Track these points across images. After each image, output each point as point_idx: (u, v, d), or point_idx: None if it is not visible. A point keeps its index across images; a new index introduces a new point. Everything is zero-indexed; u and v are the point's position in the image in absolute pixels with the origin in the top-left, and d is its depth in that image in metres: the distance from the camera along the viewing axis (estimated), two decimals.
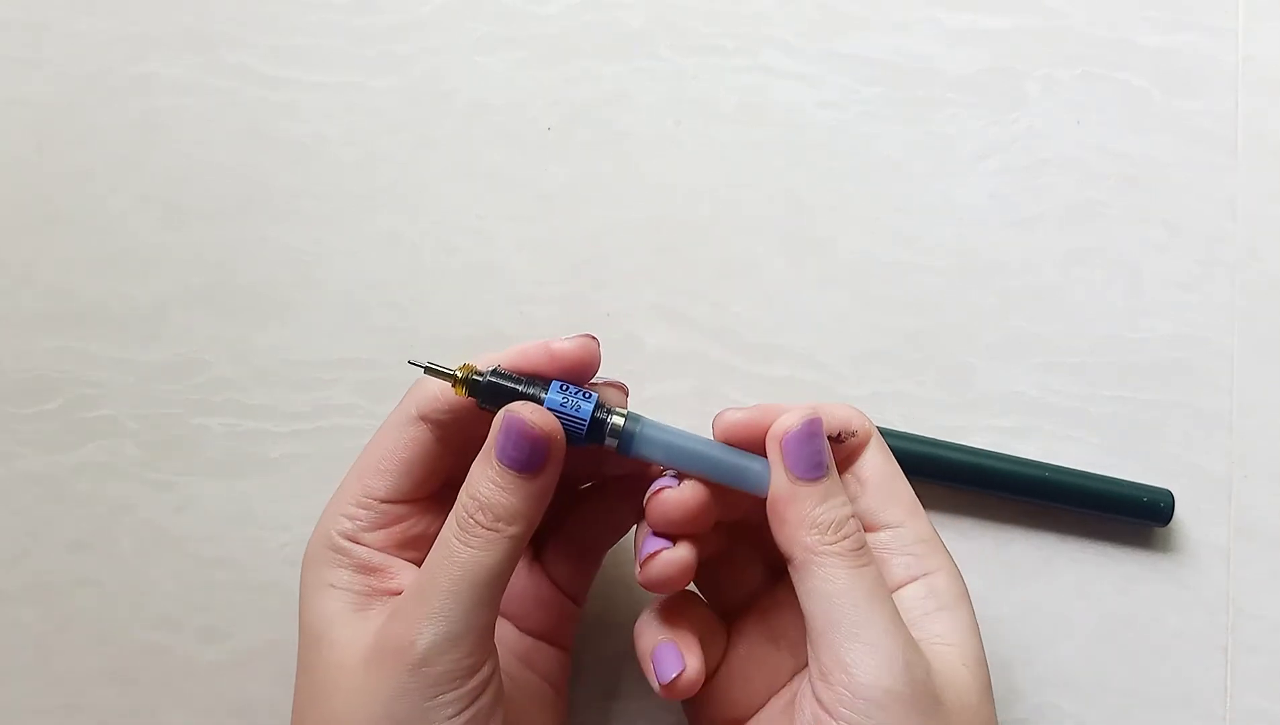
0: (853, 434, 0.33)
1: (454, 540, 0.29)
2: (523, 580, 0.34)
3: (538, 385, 0.30)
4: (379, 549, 0.31)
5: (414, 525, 0.32)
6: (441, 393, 0.31)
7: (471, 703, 0.28)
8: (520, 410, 0.29)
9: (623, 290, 0.41)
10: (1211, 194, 0.41)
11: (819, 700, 0.28)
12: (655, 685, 0.31)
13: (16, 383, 0.40)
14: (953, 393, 0.40)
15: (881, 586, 0.29)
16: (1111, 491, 0.39)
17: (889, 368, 0.40)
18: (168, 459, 0.39)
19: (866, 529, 0.32)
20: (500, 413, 0.29)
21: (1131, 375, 0.40)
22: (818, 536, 0.29)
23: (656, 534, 0.31)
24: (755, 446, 0.31)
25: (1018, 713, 0.39)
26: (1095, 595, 0.39)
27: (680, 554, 0.31)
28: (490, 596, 0.29)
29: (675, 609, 0.32)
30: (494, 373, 0.30)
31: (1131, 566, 0.40)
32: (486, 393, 0.30)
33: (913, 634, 0.29)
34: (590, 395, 0.30)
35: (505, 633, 0.34)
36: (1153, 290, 0.41)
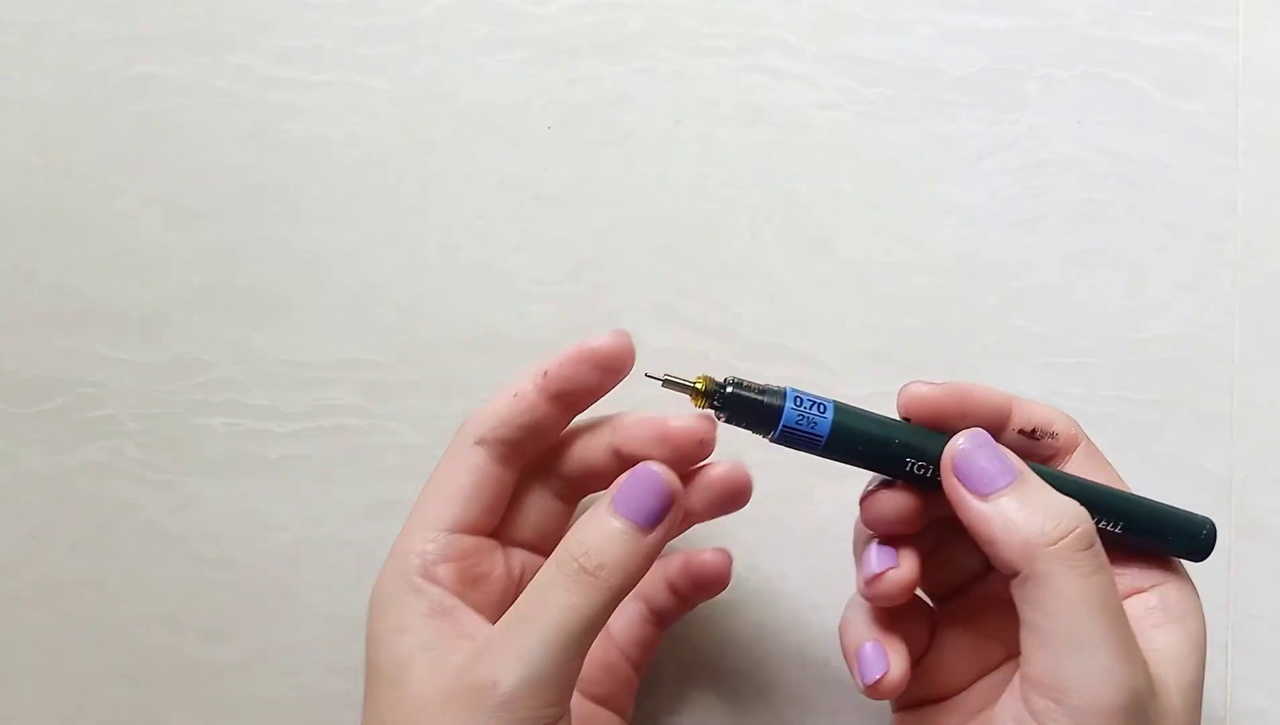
0: (1052, 435, 0.31)
1: (553, 584, 0.28)
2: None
3: (773, 393, 0.29)
4: (450, 588, 0.30)
5: (480, 564, 0.31)
6: (500, 412, 0.31)
7: None
8: (656, 467, 0.29)
9: (623, 290, 0.41)
10: (1211, 194, 0.41)
11: (1029, 708, 0.27)
12: (859, 685, 0.30)
13: (18, 383, 0.40)
14: None
15: (1114, 597, 0.27)
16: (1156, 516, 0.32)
17: (889, 368, 0.40)
18: (169, 459, 0.40)
19: None
20: (637, 467, 0.29)
21: (1131, 375, 0.40)
22: (1036, 536, 0.27)
23: (880, 542, 0.30)
24: (944, 426, 0.30)
25: None
26: None
27: (905, 574, 0.30)
28: (581, 647, 0.28)
29: None
30: (734, 383, 0.30)
31: None
32: (731, 404, 0.29)
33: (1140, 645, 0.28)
34: (825, 405, 0.29)
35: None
36: (1153, 290, 0.41)
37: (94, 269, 0.40)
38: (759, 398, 0.29)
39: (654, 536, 0.29)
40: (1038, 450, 0.31)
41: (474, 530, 0.31)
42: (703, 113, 0.41)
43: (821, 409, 0.29)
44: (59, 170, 0.41)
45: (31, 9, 0.41)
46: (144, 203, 0.41)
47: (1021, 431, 0.30)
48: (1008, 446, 0.29)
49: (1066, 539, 0.26)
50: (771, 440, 0.30)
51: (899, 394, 0.30)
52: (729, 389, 0.29)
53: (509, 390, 0.31)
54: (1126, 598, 0.29)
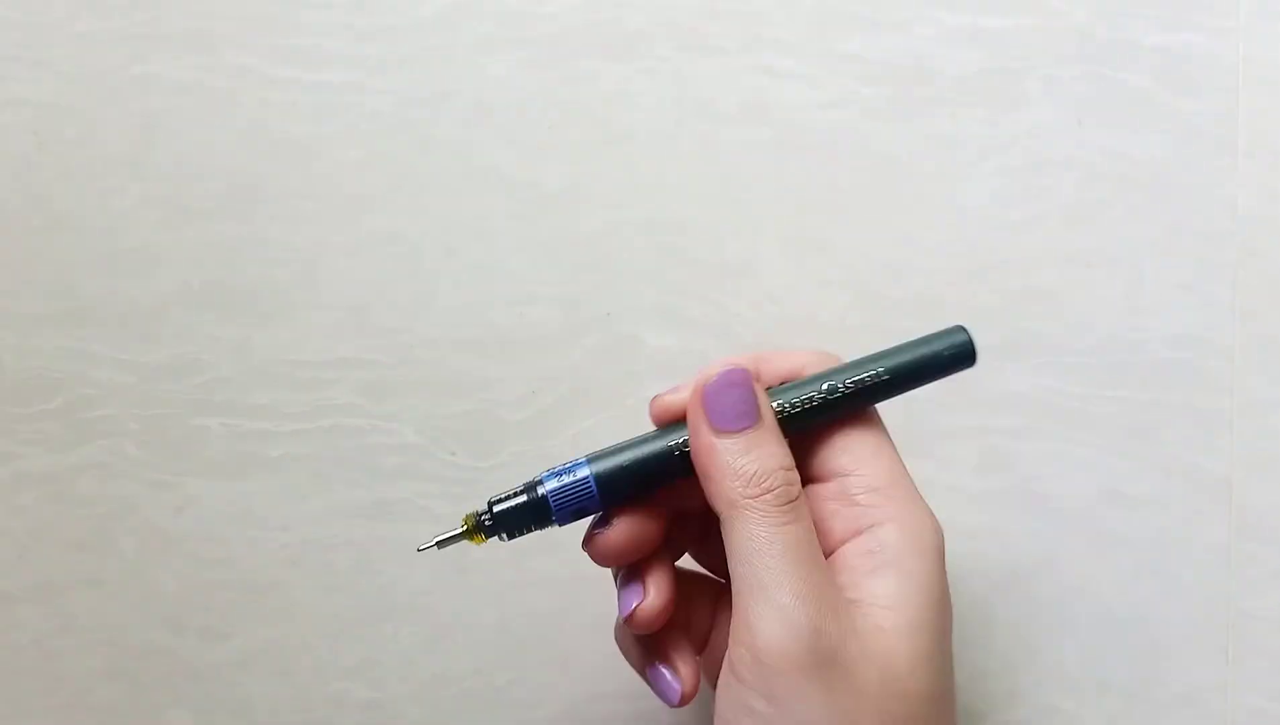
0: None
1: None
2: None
3: (530, 487, 0.30)
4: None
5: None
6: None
7: None
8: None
9: (623, 290, 0.41)
10: (1211, 194, 0.41)
11: (730, 658, 0.27)
12: (620, 618, 0.31)
13: (17, 382, 0.40)
14: (953, 393, 0.40)
15: (805, 546, 0.27)
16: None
17: None
18: (168, 459, 0.40)
19: (813, 479, 0.31)
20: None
21: (1131, 375, 0.40)
22: (740, 488, 0.28)
23: (627, 576, 0.31)
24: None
25: (1019, 713, 0.39)
26: (1096, 595, 0.39)
27: (654, 603, 0.30)
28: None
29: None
30: (493, 502, 0.30)
31: (1131, 566, 0.40)
32: (501, 521, 0.30)
33: (852, 595, 0.28)
34: (576, 467, 0.30)
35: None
36: (1153, 290, 0.41)
37: (94, 269, 0.40)
38: (521, 500, 0.30)
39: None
40: None
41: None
42: (703, 113, 0.41)
43: (575, 473, 0.30)
44: (59, 170, 0.41)
45: (31, 9, 0.41)
46: (144, 202, 0.41)
47: (768, 388, 0.30)
48: None
49: (768, 494, 0.28)
50: (559, 524, 0.30)
51: (650, 408, 0.31)
52: (492, 509, 0.30)
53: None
54: (846, 541, 0.29)
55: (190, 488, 0.39)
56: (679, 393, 0.30)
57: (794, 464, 0.29)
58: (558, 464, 0.30)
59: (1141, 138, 0.42)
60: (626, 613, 0.30)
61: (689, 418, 0.29)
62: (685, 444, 0.30)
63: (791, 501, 0.28)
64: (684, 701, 0.31)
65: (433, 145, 0.41)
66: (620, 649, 0.33)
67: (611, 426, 0.40)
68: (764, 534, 0.27)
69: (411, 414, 0.40)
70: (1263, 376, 0.40)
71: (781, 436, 0.29)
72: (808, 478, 0.31)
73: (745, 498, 0.28)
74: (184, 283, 0.40)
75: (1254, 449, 0.40)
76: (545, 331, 0.40)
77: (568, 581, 0.40)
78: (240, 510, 0.39)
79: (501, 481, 0.40)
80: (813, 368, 0.31)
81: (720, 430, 0.28)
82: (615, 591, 0.31)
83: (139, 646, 0.39)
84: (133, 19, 0.41)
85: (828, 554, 0.30)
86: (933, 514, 0.30)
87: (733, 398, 0.29)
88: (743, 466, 0.28)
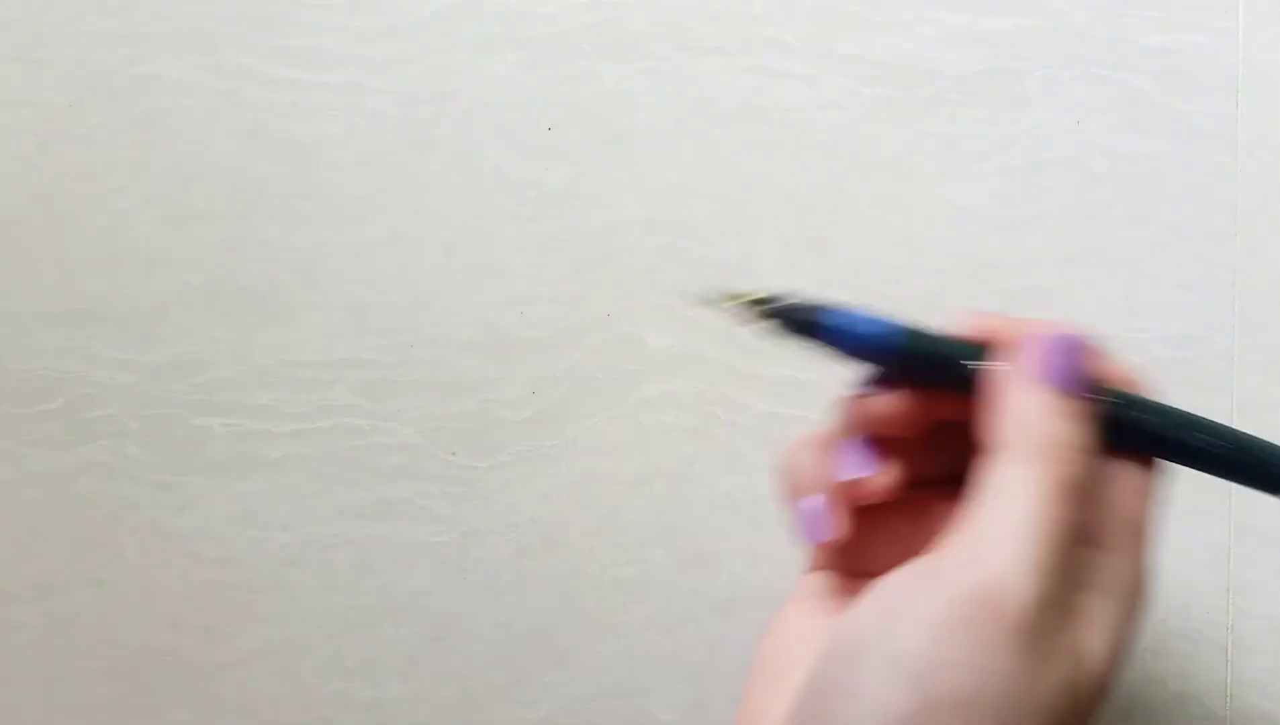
0: None
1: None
2: None
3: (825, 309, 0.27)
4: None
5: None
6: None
7: None
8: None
9: (623, 290, 0.41)
10: (1211, 194, 0.41)
11: (890, 607, 0.24)
12: (840, 477, 0.27)
13: (18, 383, 0.40)
14: None
15: (1063, 525, 0.23)
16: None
17: None
18: (169, 459, 0.40)
19: None
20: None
21: None
22: (1041, 432, 0.24)
23: (863, 442, 0.27)
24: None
25: None
26: None
27: (886, 481, 0.27)
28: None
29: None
30: (783, 301, 0.27)
31: None
32: (790, 315, 0.27)
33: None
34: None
35: None
36: (1153, 290, 0.41)
37: (94, 269, 0.40)
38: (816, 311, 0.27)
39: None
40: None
41: None
42: (703, 113, 0.41)
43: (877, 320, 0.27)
44: (59, 170, 0.41)
45: (32, 9, 0.41)
46: (144, 202, 0.41)
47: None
48: None
49: (1063, 455, 0.24)
50: (841, 350, 0.27)
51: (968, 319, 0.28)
52: (779, 304, 0.27)
53: None
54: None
55: (191, 488, 0.39)
56: (995, 319, 0.27)
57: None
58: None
59: (1141, 138, 0.42)
60: (846, 478, 0.27)
61: (1015, 356, 0.26)
62: (975, 366, 0.26)
63: (1077, 484, 0.24)
64: (828, 538, 0.27)
65: (433, 145, 0.41)
66: (780, 467, 0.29)
67: (612, 426, 0.40)
68: (1034, 479, 0.24)
69: (411, 414, 0.40)
70: (1263, 376, 0.40)
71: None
72: None
73: (1037, 441, 0.24)
74: (184, 283, 0.40)
75: None
76: (545, 331, 0.40)
77: (568, 581, 0.40)
78: (241, 510, 0.39)
79: (502, 482, 0.40)
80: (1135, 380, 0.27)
81: (1038, 381, 0.25)
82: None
83: (139, 646, 0.39)
84: (133, 19, 0.41)
85: None
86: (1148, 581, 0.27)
87: (1073, 362, 0.25)
88: (1042, 425, 0.24)
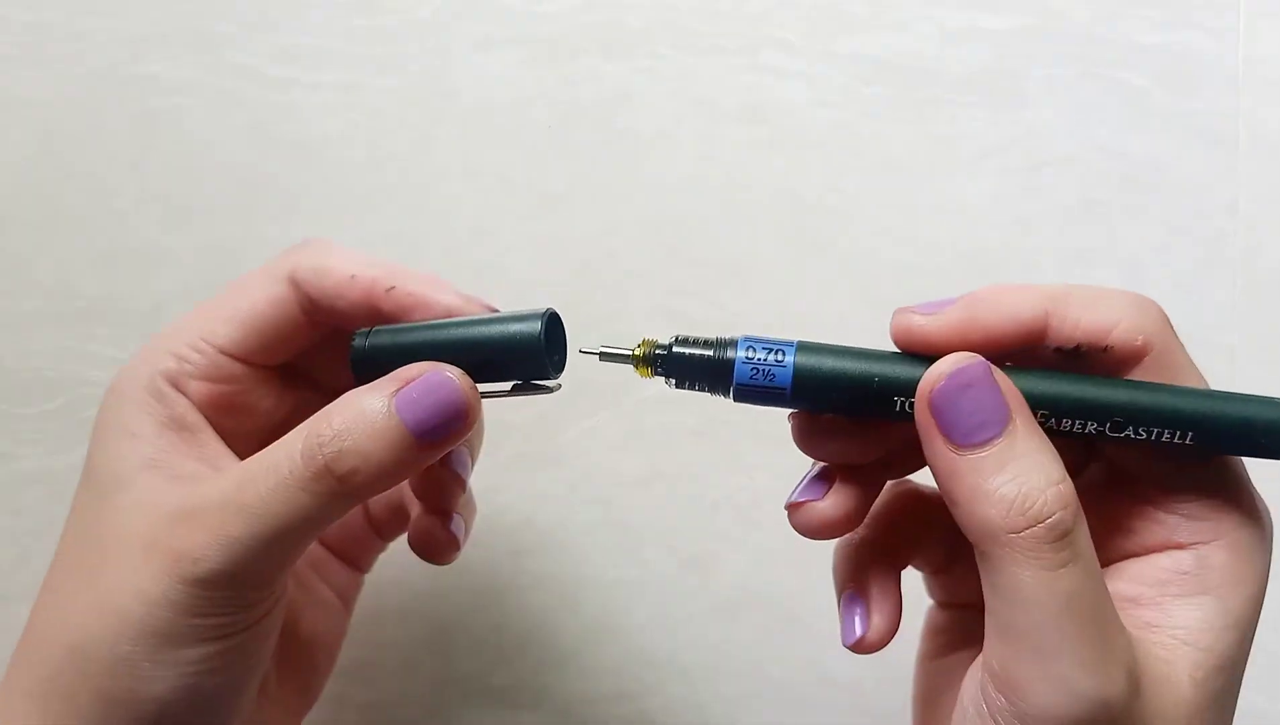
0: (1104, 350, 0.24)
1: (292, 476, 0.24)
2: None
3: (723, 346, 0.25)
4: (197, 404, 0.27)
5: (242, 392, 0.28)
6: (333, 280, 0.27)
7: (243, 630, 0.25)
8: (455, 376, 0.25)
9: (623, 290, 0.41)
10: (1211, 194, 0.41)
11: (984, 694, 0.23)
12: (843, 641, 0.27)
13: (18, 382, 0.40)
14: None
15: (1089, 594, 0.22)
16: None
17: None
18: None
19: (1111, 469, 0.25)
20: (421, 367, 0.25)
21: None
22: (999, 518, 0.22)
23: (821, 472, 0.26)
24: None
25: None
26: None
27: (826, 510, 0.25)
28: (305, 544, 0.25)
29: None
30: (678, 341, 0.26)
31: None
32: (673, 367, 0.26)
33: (1149, 616, 0.23)
34: (785, 350, 0.25)
35: None
36: (1153, 290, 0.41)
37: (95, 268, 0.40)
38: (705, 354, 0.26)
39: (436, 452, 0.25)
40: (1089, 368, 0.24)
41: (247, 360, 0.28)
42: (703, 113, 0.41)
43: (781, 356, 0.25)
44: (59, 169, 0.41)
45: (32, 8, 0.41)
46: (144, 201, 0.41)
47: (1060, 350, 0.24)
48: (1046, 367, 0.24)
49: (1034, 529, 0.21)
50: (734, 400, 0.26)
51: (892, 318, 0.25)
52: (672, 349, 0.26)
53: (352, 263, 0.27)
54: (1157, 552, 0.24)
55: None
56: (935, 317, 0.24)
57: (1066, 474, 0.22)
58: (767, 336, 0.26)
59: (1141, 138, 0.42)
60: (789, 502, 0.26)
61: (919, 428, 0.23)
62: (913, 404, 0.24)
63: (1068, 533, 0.21)
64: (860, 649, 0.26)
65: (433, 145, 0.41)
66: (832, 563, 0.28)
67: (612, 427, 0.40)
68: (1034, 581, 0.21)
69: None
70: (1263, 376, 0.40)
71: (1043, 437, 0.23)
72: (1102, 460, 0.25)
73: (1007, 533, 0.21)
74: (185, 282, 0.40)
75: None
76: None
77: (568, 581, 0.40)
78: None
79: (502, 481, 0.40)
80: (1126, 330, 0.24)
81: (960, 446, 0.22)
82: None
83: None
84: (133, 18, 0.41)
85: (1125, 557, 0.25)
86: (1269, 520, 0.24)
87: (969, 404, 0.22)
88: (998, 489, 0.22)
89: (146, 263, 0.40)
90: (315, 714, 0.39)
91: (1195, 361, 0.26)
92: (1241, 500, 0.24)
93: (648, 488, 0.40)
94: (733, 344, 0.25)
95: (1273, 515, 0.25)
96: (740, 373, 0.25)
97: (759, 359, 0.25)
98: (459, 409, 0.25)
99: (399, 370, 0.25)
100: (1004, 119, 0.41)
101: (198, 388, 0.27)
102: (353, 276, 0.27)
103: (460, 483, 0.30)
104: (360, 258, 0.27)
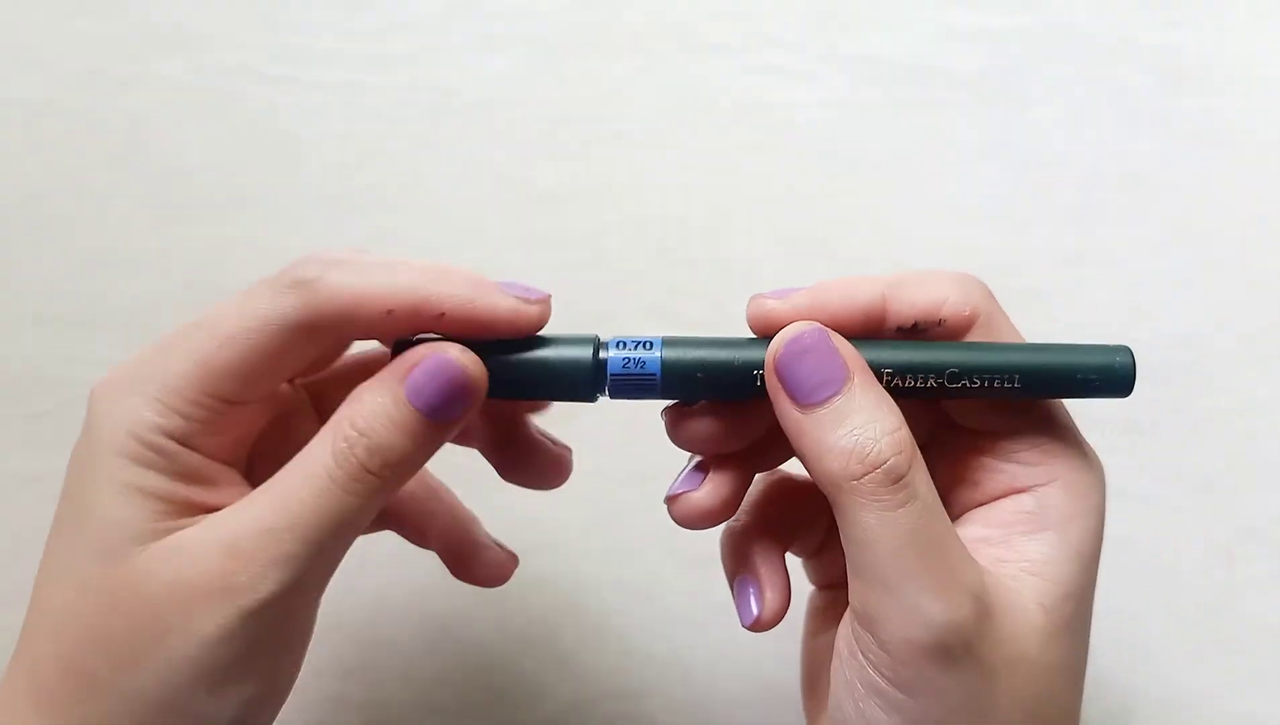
0: (938, 322, 0.27)
1: (334, 484, 0.25)
2: None
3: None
4: (209, 456, 0.26)
5: (246, 426, 0.27)
6: (358, 308, 0.25)
7: (300, 646, 0.26)
8: (451, 351, 0.25)
9: (622, 290, 0.41)
10: (1211, 194, 0.41)
11: (854, 633, 0.25)
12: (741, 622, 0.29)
13: (13, 383, 0.40)
14: None
15: (928, 528, 0.24)
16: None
17: None
18: None
19: (958, 427, 0.28)
20: (422, 352, 0.25)
21: None
22: (840, 468, 0.24)
23: (699, 464, 0.28)
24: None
25: None
26: (1095, 595, 0.39)
27: (702, 500, 0.27)
28: (350, 544, 0.26)
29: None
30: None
31: (1131, 566, 0.40)
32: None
33: (1000, 552, 0.26)
34: (652, 341, 0.27)
35: None
36: (1153, 290, 0.41)
37: (91, 269, 0.40)
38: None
39: (450, 430, 0.26)
40: (928, 339, 0.27)
41: (244, 400, 0.26)
42: (702, 112, 0.41)
43: (649, 347, 0.27)
44: (53, 170, 0.41)
45: (23, 8, 0.41)
46: (138, 201, 0.41)
47: (900, 329, 0.27)
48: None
49: (872, 474, 0.24)
50: (610, 396, 0.27)
51: (748, 305, 0.27)
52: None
53: (382, 291, 0.26)
54: (1001, 498, 0.27)
55: None
56: (786, 300, 0.27)
57: (902, 421, 0.25)
58: (629, 335, 0.27)
59: (1141, 138, 0.42)
60: (667, 494, 0.28)
61: (770, 394, 0.26)
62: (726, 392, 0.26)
63: (903, 476, 0.24)
64: (758, 627, 0.28)
65: (432, 144, 0.41)
66: (720, 552, 0.30)
67: (612, 427, 0.40)
68: (877, 521, 0.24)
69: None
70: (1263, 376, 0.40)
71: (881, 392, 0.25)
72: (949, 424, 0.28)
73: (849, 480, 0.24)
74: (180, 282, 0.40)
75: (1253, 449, 0.40)
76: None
77: (568, 581, 0.40)
78: None
79: (501, 481, 0.40)
80: (955, 303, 0.26)
81: (804, 404, 0.25)
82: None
83: None
84: (127, 18, 0.41)
85: (974, 506, 0.27)
86: (1098, 463, 0.27)
87: (809, 366, 0.25)
88: (838, 442, 0.24)
89: (141, 263, 0.40)
90: (315, 714, 0.39)
91: (1195, 362, 0.30)
92: (1071, 445, 0.27)
93: (648, 488, 0.40)
94: (604, 345, 0.27)
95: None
96: (614, 364, 0.27)
97: (629, 355, 0.27)
98: (465, 388, 0.26)
99: (403, 356, 0.26)
100: (1004, 119, 0.41)
101: (205, 443, 0.26)
102: (390, 312, 0.26)
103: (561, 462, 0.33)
104: (382, 278, 0.26)
